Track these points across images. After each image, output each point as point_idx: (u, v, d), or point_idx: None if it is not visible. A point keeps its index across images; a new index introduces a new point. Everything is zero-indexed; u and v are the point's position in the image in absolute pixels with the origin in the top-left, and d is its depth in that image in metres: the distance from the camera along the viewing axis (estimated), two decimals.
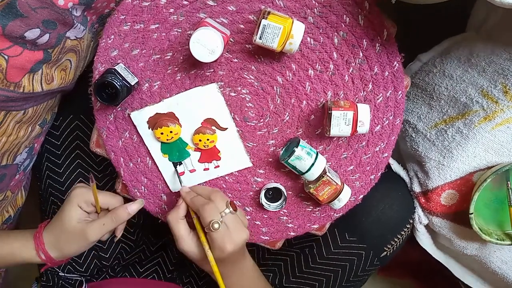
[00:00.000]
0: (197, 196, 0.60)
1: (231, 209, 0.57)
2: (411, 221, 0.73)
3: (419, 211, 0.73)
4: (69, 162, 0.73)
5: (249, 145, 0.64)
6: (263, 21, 0.53)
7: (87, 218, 0.61)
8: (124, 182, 0.66)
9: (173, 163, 0.64)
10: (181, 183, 0.64)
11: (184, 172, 0.65)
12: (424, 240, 0.76)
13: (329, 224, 0.70)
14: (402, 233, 0.72)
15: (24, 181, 0.71)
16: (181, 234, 0.58)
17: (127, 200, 0.65)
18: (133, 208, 0.62)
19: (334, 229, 0.72)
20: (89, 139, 0.65)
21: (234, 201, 0.66)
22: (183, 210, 0.59)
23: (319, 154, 0.60)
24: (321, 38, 0.59)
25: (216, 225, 0.54)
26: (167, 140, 0.62)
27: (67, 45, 0.55)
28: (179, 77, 0.60)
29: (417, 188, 0.72)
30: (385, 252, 0.72)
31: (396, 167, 0.75)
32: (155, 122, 0.61)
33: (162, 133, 0.61)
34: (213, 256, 0.56)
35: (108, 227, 0.60)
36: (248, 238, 0.58)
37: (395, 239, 0.72)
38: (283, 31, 0.53)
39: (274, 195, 0.65)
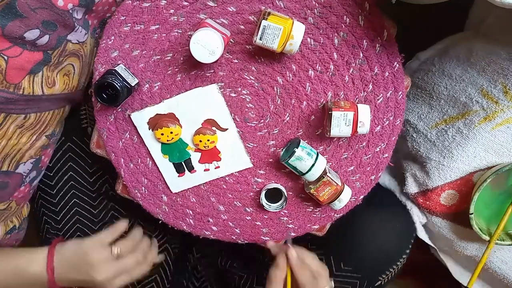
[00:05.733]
0: (305, 269, 0.60)
1: (332, 285, 0.59)
2: (407, 251, 0.72)
3: (416, 210, 0.73)
4: (61, 173, 0.72)
5: (250, 145, 0.64)
6: (263, 22, 0.53)
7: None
8: (125, 183, 0.66)
9: (184, 163, 0.64)
10: (286, 242, 0.66)
11: (184, 173, 0.65)
12: (423, 235, 0.76)
13: (330, 225, 0.70)
14: (398, 263, 0.71)
15: (31, 195, 0.70)
16: None
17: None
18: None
19: (330, 257, 0.72)
20: (84, 153, 0.64)
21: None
22: (284, 271, 0.60)
23: (319, 155, 0.60)
24: (321, 39, 0.59)
25: None
26: (167, 141, 0.62)
27: (68, 48, 0.55)
28: (179, 78, 0.60)
29: (413, 189, 0.72)
30: (379, 282, 0.71)
31: (382, 178, 0.75)
32: (155, 123, 0.61)
33: (162, 134, 0.61)
34: None
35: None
36: None
37: (390, 269, 0.71)
38: (283, 32, 0.53)
39: (274, 195, 0.65)
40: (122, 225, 0.64)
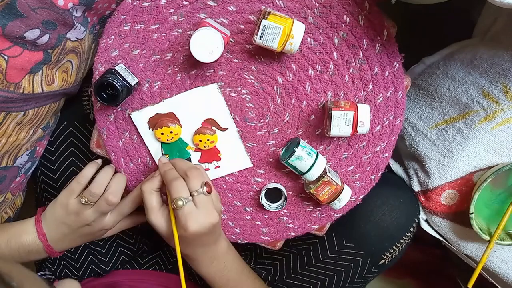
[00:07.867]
0: (172, 169, 0.57)
1: (204, 190, 0.54)
2: (412, 230, 0.70)
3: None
4: (63, 158, 0.72)
5: (250, 145, 0.64)
6: (263, 21, 0.53)
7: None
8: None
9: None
10: (162, 153, 0.62)
11: None
12: (426, 226, 0.75)
13: (329, 224, 0.69)
14: (402, 241, 0.69)
15: (25, 184, 0.71)
16: (152, 205, 0.56)
17: None
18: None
19: (332, 234, 0.71)
20: (85, 139, 0.64)
21: (211, 185, 0.62)
22: (158, 181, 0.57)
23: (319, 154, 0.60)
24: (321, 38, 0.59)
25: (179, 203, 0.52)
26: (167, 140, 0.62)
27: (68, 46, 0.55)
28: (179, 78, 0.60)
29: (416, 187, 0.72)
30: (383, 260, 0.70)
31: (395, 167, 0.75)
32: (155, 123, 0.61)
33: (162, 134, 0.61)
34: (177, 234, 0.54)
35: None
36: (217, 222, 0.55)
37: (394, 247, 0.69)
38: (283, 32, 0.53)
39: (274, 195, 0.65)
40: (89, 170, 0.60)
